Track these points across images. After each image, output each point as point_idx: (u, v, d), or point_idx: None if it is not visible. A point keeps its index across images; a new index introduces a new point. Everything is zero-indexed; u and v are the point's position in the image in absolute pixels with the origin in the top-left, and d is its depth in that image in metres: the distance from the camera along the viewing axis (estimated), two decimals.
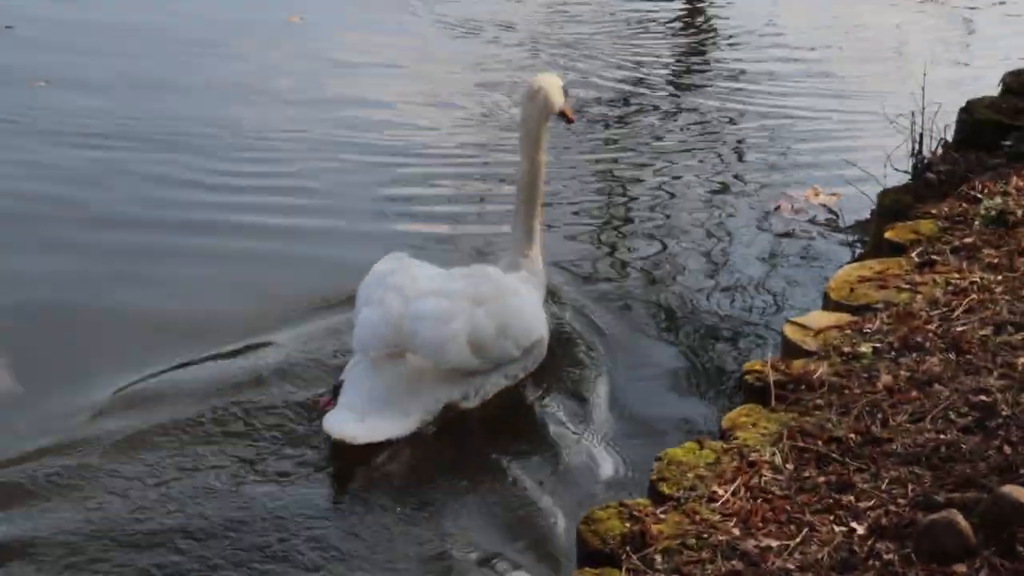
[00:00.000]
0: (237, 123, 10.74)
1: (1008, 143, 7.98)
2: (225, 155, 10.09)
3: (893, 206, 7.60)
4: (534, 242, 7.74)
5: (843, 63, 12.45)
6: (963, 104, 8.62)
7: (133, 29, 13.33)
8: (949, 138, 8.42)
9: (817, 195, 9.34)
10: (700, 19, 14.22)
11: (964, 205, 7.27)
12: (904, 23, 13.63)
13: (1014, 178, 7.42)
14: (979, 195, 7.31)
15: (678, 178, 9.36)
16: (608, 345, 7.51)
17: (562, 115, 7.85)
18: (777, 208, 9.26)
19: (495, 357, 7.22)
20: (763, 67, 12.42)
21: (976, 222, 7.06)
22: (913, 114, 8.23)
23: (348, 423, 6.80)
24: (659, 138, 10.75)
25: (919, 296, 6.43)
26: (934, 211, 7.26)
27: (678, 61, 12.91)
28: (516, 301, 7.33)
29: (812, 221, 9.02)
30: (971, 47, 13.09)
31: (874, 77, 11.96)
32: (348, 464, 6.60)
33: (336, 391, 7.04)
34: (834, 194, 9.32)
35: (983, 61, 12.00)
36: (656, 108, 11.42)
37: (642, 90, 11.81)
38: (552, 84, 7.71)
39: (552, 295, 7.92)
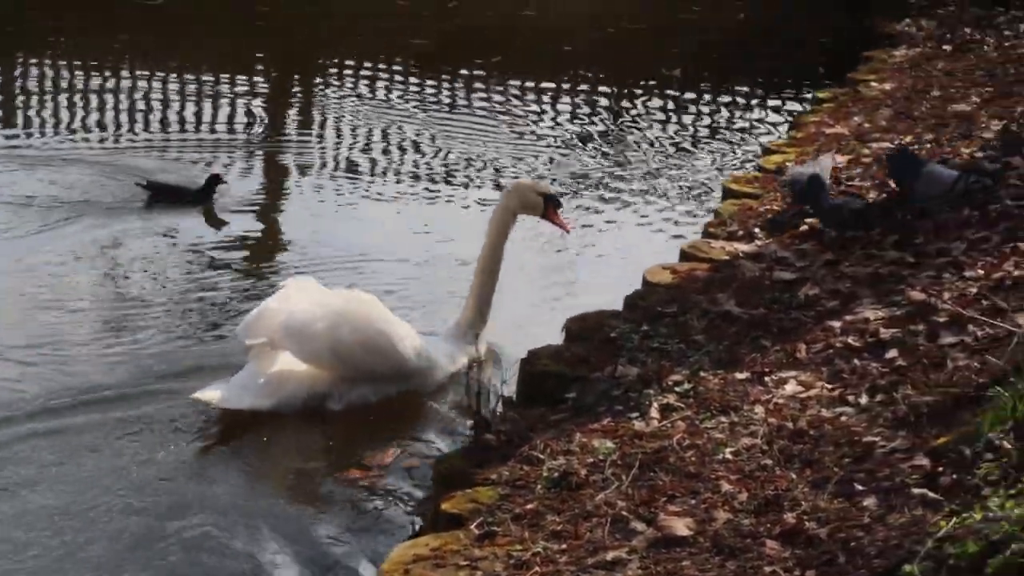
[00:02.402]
0: None
1: (571, 395, 7.48)
2: None
3: (450, 473, 6.95)
4: (482, 322, 9.08)
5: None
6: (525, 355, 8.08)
7: None
8: (513, 393, 7.92)
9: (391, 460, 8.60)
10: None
11: (526, 468, 6.67)
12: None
13: (577, 435, 6.91)
14: (541, 456, 6.76)
15: None
16: None
17: (552, 220, 9.11)
18: (355, 478, 8.46)
19: (357, 367, 8.45)
20: None
21: (538, 486, 6.50)
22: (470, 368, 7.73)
23: (213, 391, 8.28)
24: None
25: (479, 573, 5.81)
26: (494, 476, 6.63)
27: None
28: (385, 326, 8.52)
29: (381, 493, 8.25)
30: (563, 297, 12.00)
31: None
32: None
33: None
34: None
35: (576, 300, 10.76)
36: None
37: None
38: (530, 187, 9.15)
39: None
